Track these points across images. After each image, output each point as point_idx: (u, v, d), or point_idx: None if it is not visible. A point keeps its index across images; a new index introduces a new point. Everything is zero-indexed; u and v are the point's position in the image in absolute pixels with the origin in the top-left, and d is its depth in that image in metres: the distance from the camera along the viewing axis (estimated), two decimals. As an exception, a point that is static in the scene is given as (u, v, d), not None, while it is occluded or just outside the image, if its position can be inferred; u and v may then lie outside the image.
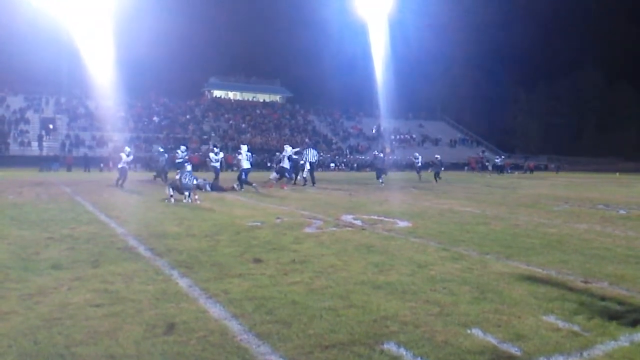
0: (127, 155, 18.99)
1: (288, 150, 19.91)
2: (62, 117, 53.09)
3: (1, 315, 4.28)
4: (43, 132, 48.93)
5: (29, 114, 52.22)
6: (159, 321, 4.15)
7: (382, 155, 26.51)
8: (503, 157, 54.04)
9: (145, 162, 35.09)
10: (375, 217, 10.99)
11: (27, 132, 48.89)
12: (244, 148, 19.38)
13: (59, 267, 6.03)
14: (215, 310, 4.47)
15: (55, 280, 5.41)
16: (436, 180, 26.63)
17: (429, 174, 30.18)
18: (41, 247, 7.27)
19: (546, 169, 61.60)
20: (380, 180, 23.21)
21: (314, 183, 22.01)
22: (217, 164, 21.92)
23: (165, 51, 65.77)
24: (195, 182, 13.60)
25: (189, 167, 13.99)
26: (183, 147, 22.65)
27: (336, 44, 70.77)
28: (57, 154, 43.16)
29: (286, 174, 20.33)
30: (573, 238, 8.71)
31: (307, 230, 9.20)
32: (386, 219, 10.69)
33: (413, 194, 18.14)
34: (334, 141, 61.84)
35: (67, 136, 48.78)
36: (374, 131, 67.26)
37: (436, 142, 67.97)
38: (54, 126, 50.87)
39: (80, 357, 3.46)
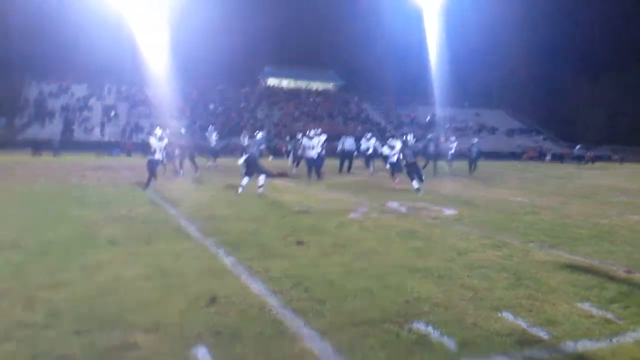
0: (159, 140, 13.43)
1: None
2: (123, 105, 55.02)
3: (64, 283, 4.69)
4: (105, 119, 50.94)
5: (92, 102, 54.39)
6: (203, 294, 4.44)
7: (434, 143, 25.37)
8: (579, 146, 52.21)
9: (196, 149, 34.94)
10: (422, 205, 11.02)
11: (90, 118, 51.03)
12: (323, 137, 17.91)
13: (116, 243, 6.46)
14: (256, 287, 4.73)
15: (111, 255, 5.82)
16: (470, 171, 22.39)
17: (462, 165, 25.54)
18: (100, 225, 7.75)
19: (609, 159, 59.21)
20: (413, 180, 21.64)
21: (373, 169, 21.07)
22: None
23: (222, 40, 66.78)
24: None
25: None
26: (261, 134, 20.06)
27: (390, 30, 69.81)
28: (117, 139, 44.89)
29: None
30: (624, 229, 8.51)
31: (352, 215, 9.36)
32: (432, 207, 10.70)
33: (463, 183, 17.95)
34: (387, 129, 61.44)
35: (127, 123, 50.56)
36: (428, 119, 66.39)
37: (493, 131, 66.36)
38: (115, 113, 52.82)
39: (130, 322, 3.78)
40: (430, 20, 52.40)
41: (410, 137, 15.24)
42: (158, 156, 12.99)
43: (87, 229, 7.42)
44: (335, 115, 63.32)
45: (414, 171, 13.58)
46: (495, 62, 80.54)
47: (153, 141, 13.10)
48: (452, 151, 24.47)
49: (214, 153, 23.18)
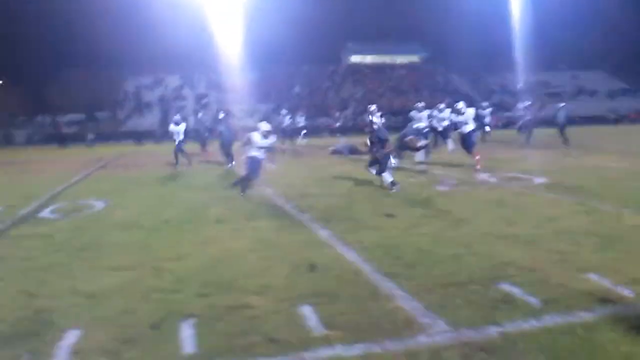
0: (264, 137, 9.88)
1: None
2: (213, 92, 57.36)
3: (182, 256, 5.37)
4: (198, 107, 53.47)
5: (185, 91, 57.23)
6: (303, 262, 4.94)
7: (526, 111, 23.88)
8: None
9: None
10: (512, 175, 10.98)
11: (184, 107, 53.76)
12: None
13: (222, 221, 7.14)
14: (350, 255, 5.16)
15: (219, 231, 6.49)
16: (561, 139, 19.49)
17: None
18: (206, 205, 8.51)
19: None
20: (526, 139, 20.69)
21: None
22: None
23: (303, 20, 67.38)
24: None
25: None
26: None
27: (474, -3, 67.06)
28: (210, 126, 47.12)
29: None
30: None
31: (440, 188, 9.56)
32: (523, 176, 10.64)
33: (557, 151, 17.40)
34: (476, 99, 59.71)
35: (218, 110, 52.79)
36: (519, 86, 63.58)
37: (592, 93, 62.57)
38: (207, 101, 55.23)
39: (242, 287, 4.33)
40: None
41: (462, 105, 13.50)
42: (260, 154, 9.85)
43: (195, 209, 8.19)
44: (422, 88, 62.23)
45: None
46: (595, 20, 75.28)
47: (257, 137, 9.96)
48: (527, 118, 22.40)
49: (287, 135, 23.97)
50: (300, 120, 26.51)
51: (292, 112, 28.64)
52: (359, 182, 10.62)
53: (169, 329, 3.56)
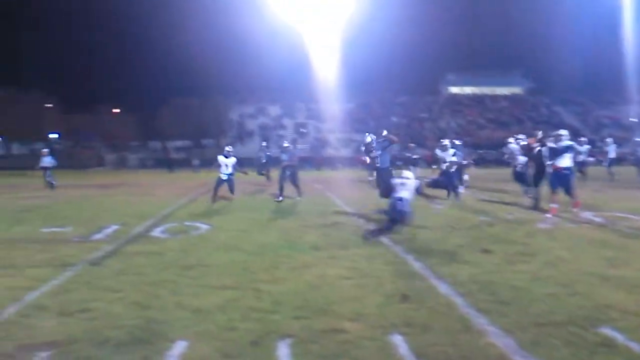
0: (226, 157, 14.16)
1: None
2: (312, 122, 58.87)
3: (279, 279, 5.64)
4: (296, 136, 55.07)
5: (285, 120, 59.23)
6: (396, 292, 5.03)
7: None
8: None
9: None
10: (620, 215, 10.38)
11: (283, 136, 55.59)
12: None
13: (317, 248, 7.38)
14: (443, 288, 5.18)
15: (315, 258, 6.72)
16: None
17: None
18: (301, 232, 8.81)
19: None
20: None
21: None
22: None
23: (401, 51, 67.92)
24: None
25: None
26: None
27: (581, 25, 64.28)
28: (308, 155, 48.27)
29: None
30: None
31: (540, 225, 9.25)
32: (633, 217, 10.03)
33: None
34: (582, 133, 56.76)
35: (316, 138, 54.00)
36: (633, 119, 59.65)
37: None
38: (305, 130, 56.78)
39: (336, 312, 4.49)
40: (625, 10, 47.12)
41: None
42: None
43: (291, 235, 8.51)
44: (524, 120, 60.17)
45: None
46: None
47: (222, 160, 14.09)
48: (611, 155, 21.42)
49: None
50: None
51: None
52: (455, 216, 10.51)
53: (267, 346, 3.78)
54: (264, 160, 22.08)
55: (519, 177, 13.05)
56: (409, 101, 65.13)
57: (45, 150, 22.88)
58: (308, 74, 58.87)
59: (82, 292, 5.36)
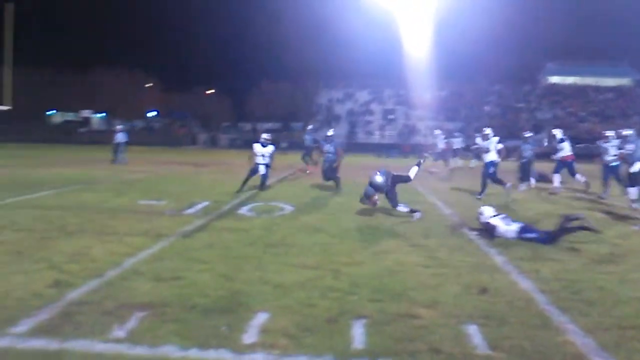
0: (263, 145, 12.76)
1: None
2: (401, 108, 58.26)
3: (358, 262, 5.79)
4: (384, 122, 54.75)
5: (373, 106, 59.00)
6: (474, 284, 5.02)
7: None
8: None
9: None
10: None
11: (371, 122, 55.46)
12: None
13: (397, 235, 7.44)
14: (524, 284, 5.09)
15: (394, 245, 6.79)
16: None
17: None
18: (384, 218, 8.88)
19: None
20: None
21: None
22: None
23: (499, 38, 65.44)
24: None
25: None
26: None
27: None
28: (395, 142, 47.91)
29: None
30: None
31: (635, 227, 8.74)
32: None
33: None
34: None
35: (405, 125, 53.44)
36: None
37: None
38: (393, 116, 56.31)
39: (412, 298, 4.56)
40: None
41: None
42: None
43: (374, 221, 8.62)
44: (631, 114, 56.26)
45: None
46: None
47: (258, 149, 12.69)
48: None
49: (440, 157, 23.50)
50: (456, 142, 25.78)
51: (475, 132, 27.85)
52: (543, 210, 10.15)
53: (342, 325, 3.93)
54: (311, 144, 20.42)
55: (613, 172, 12.38)
56: (504, 90, 62.72)
57: (120, 127, 24.19)
58: (399, 60, 58.30)
59: (174, 261, 5.76)
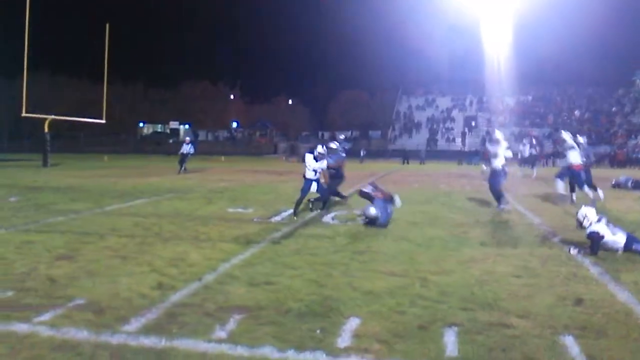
0: (317, 159, 10.22)
1: None
2: (483, 115, 56.86)
3: (446, 271, 5.78)
4: (466, 129, 53.64)
5: (454, 113, 58.00)
6: (569, 295, 4.88)
7: None
8: None
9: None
10: None
11: (452, 129, 54.52)
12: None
13: (485, 244, 7.34)
14: (623, 296, 4.90)
15: (483, 254, 6.70)
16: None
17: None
18: (469, 227, 8.77)
19: None
20: None
21: None
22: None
23: (590, 41, 62.32)
24: None
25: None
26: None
27: None
28: (477, 148, 46.79)
29: None
30: None
31: None
32: None
33: None
34: None
35: (487, 132, 52.11)
36: None
37: None
38: (475, 123, 55.06)
39: (504, 308, 4.51)
40: None
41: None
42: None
43: (459, 230, 8.53)
44: None
45: None
46: None
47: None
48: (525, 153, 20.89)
49: (527, 163, 22.85)
50: (524, 149, 24.60)
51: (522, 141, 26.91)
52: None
53: (434, 332, 3.96)
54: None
55: None
56: (596, 94, 59.59)
57: (188, 138, 25.18)
58: (481, 65, 56.96)
59: (265, 266, 6.00)
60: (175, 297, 4.86)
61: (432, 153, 45.91)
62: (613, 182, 16.96)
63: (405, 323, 4.15)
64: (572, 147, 12.20)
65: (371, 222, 8.71)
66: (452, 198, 13.57)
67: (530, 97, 57.99)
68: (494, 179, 11.27)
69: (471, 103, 60.13)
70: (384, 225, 8.66)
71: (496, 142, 11.59)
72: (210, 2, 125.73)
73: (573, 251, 6.74)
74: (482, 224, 9.11)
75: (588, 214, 6.84)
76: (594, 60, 63.55)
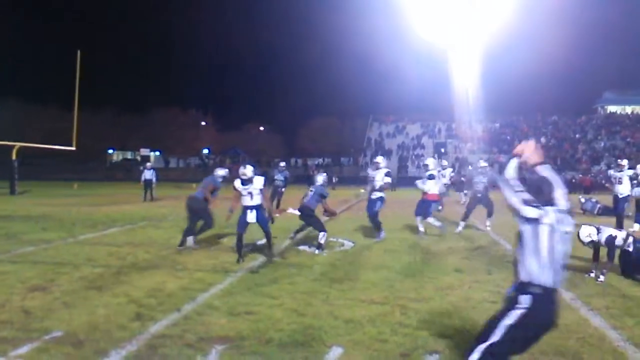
0: (244, 183, 8.70)
1: None
2: (452, 142, 57.85)
3: (425, 298, 5.87)
4: (435, 155, 54.43)
5: (424, 140, 58.84)
6: (544, 320, 4.98)
7: None
8: None
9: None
10: None
11: (422, 155, 55.23)
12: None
13: (461, 270, 7.47)
14: (595, 320, 5.05)
15: (459, 280, 6.82)
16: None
17: None
18: (445, 254, 8.90)
19: None
20: None
21: None
22: None
23: (552, 70, 64.45)
24: None
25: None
26: None
27: None
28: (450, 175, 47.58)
29: None
30: None
31: None
32: None
33: None
34: None
35: (456, 159, 52.97)
36: None
37: None
38: (445, 150, 55.94)
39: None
40: None
41: None
42: None
43: (434, 257, 8.65)
44: (695, 144, 54.04)
45: None
46: None
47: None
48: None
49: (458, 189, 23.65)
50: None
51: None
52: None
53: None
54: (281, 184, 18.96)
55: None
56: (560, 121, 61.44)
57: (149, 163, 25.08)
58: (450, 93, 58.12)
59: (245, 295, 5.99)
60: (155, 328, 4.82)
61: (403, 180, 46.36)
62: (581, 206, 17.33)
63: (387, 351, 4.21)
64: (432, 176, 11.81)
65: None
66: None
67: (497, 125, 59.34)
68: (370, 205, 11.07)
69: (439, 130, 61.16)
70: None
71: (375, 166, 11.40)
72: (182, 29, 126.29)
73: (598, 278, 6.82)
74: (456, 251, 9.26)
75: (588, 230, 7.06)
76: (558, 89, 65.70)
